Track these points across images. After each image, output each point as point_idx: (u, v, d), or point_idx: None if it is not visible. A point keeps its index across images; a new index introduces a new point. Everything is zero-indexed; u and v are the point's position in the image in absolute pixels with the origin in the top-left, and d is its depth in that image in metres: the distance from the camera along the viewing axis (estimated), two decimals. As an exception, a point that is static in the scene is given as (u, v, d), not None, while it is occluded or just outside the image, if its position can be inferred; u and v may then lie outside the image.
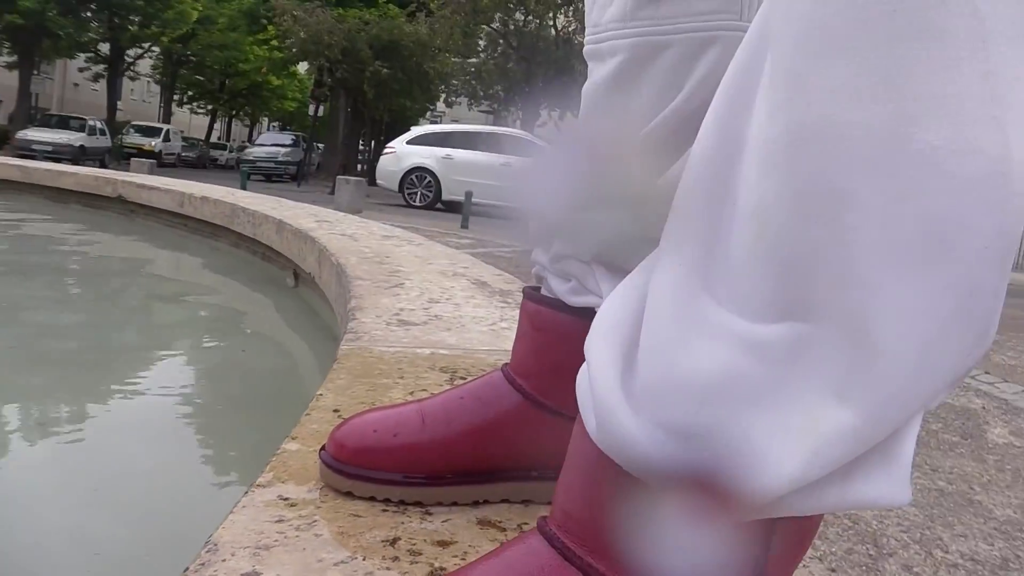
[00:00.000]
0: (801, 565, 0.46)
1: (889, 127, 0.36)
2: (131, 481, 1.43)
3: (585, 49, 0.70)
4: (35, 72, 28.86)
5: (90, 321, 2.71)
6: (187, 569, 0.59)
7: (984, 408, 2.96)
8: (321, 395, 1.02)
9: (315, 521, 0.69)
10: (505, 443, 0.74)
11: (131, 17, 28.72)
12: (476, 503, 0.75)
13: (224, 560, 0.61)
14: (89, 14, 27.91)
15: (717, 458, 0.38)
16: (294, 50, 25.56)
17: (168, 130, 29.07)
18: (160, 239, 4.59)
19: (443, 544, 0.67)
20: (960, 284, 0.37)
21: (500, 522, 0.73)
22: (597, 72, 0.67)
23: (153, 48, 33.17)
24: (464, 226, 9.71)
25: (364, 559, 0.63)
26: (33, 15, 24.26)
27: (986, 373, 3.66)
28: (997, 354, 4.39)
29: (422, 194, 14.61)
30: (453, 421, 0.75)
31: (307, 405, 0.98)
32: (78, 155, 21.14)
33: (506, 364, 0.78)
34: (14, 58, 26.67)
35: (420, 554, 0.65)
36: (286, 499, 0.72)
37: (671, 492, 0.40)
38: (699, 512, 0.41)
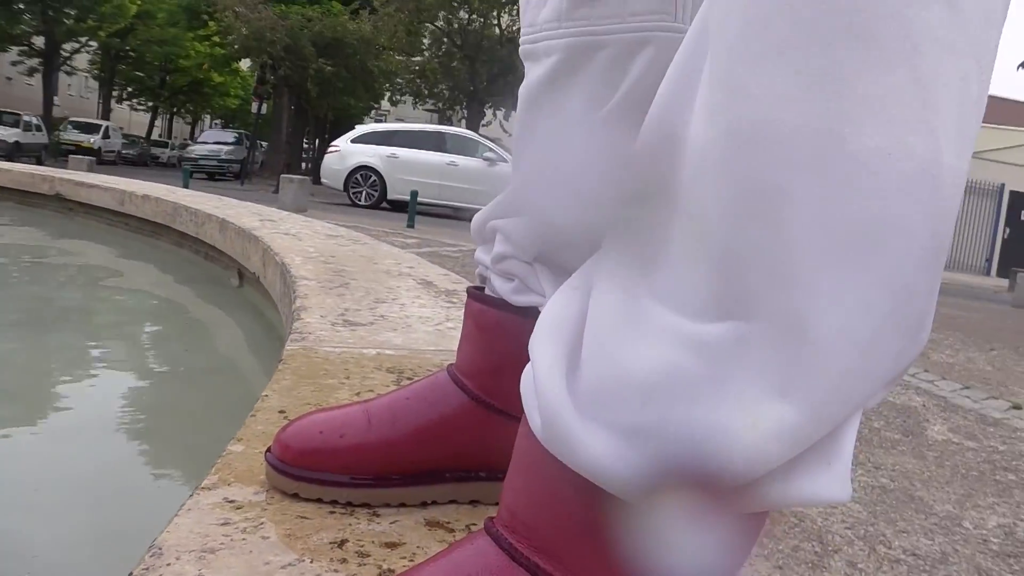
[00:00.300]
0: (747, 563, 0.47)
1: (823, 128, 0.36)
2: (72, 485, 1.41)
3: (521, 49, 0.70)
4: (-35, 66, 28.14)
5: (26, 321, 2.65)
6: (130, 574, 0.59)
7: (924, 406, 3.02)
8: (266, 396, 1.01)
9: (261, 524, 0.68)
10: (451, 443, 0.74)
11: (66, 10, 28.06)
12: (424, 504, 0.75)
13: (169, 564, 0.60)
14: (22, 6, 27.21)
15: (661, 456, 0.39)
16: (236, 47, 25.28)
17: (108, 127, 28.47)
18: (100, 238, 4.50)
19: (391, 546, 0.67)
20: (893, 283, 0.38)
21: (448, 523, 0.73)
22: (533, 72, 0.67)
23: (90, 43, 32.45)
24: (410, 225, 9.66)
25: (312, 561, 0.63)
26: (-41, 5, 23.67)
27: (925, 371, 3.73)
28: (935, 352, 4.48)
29: (367, 193, 14.50)
30: (399, 422, 0.74)
31: (252, 406, 0.97)
32: (13, 151, 20.63)
33: (452, 364, 0.78)
34: (-59, 51, 25.98)
35: (368, 556, 0.65)
36: (232, 501, 0.72)
37: (616, 490, 0.41)
38: (644, 510, 0.41)
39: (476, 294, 0.75)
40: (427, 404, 0.75)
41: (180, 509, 0.69)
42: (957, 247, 22.22)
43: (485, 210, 0.75)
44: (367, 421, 0.74)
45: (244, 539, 0.65)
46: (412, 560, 0.65)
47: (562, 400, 0.42)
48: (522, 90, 0.69)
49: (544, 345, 0.46)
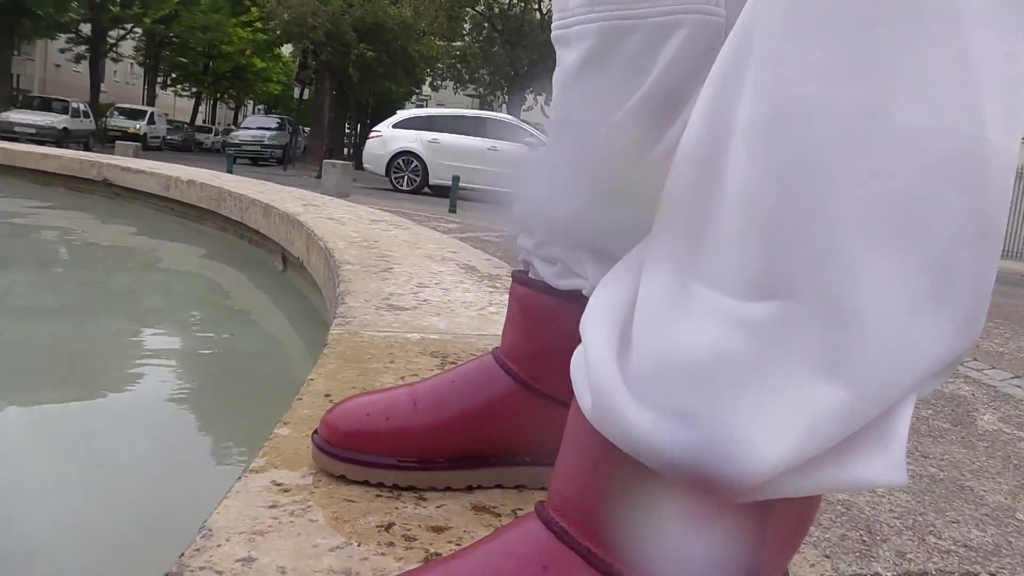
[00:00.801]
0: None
1: (866, 106, 0.36)
2: (121, 468, 1.43)
3: (552, 34, 0.69)
4: (15, 53, 28.53)
5: (77, 306, 2.69)
6: (183, 555, 0.59)
7: (973, 395, 2.97)
8: (312, 380, 1.02)
9: (309, 507, 0.68)
10: (496, 427, 0.74)
11: (112, -3, 28.44)
12: (470, 488, 0.75)
13: (219, 545, 0.61)
14: (69, -7, 27.61)
15: (712, 437, 0.38)
16: (278, 32, 25.46)
17: (153, 113, 28.83)
18: (146, 223, 4.57)
19: (438, 530, 0.67)
20: (934, 262, 0.37)
21: (494, 507, 0.73)
22: (566, 58, 0.67)
23: (135, 29, 32.87)
24: (452, 210, 9.68)
25: (359, 545, 0.63)
26: (10, -7, 23.99)
27: (974, 360, 3.68)
28: (985, 341, 4.41)
29: (409, 178, 14.55)
30: (444, 405, 0.74)
31: (297, 390, 0.98)
32: (62, 137, 20.98)
33: (497, 348, 0.77)
34: (-7, 37, 26.39)
35: (415, 539, 0.65)
36: (279, 484, 0.72)
37: (667, 473, 0.41)
38: (696, 493, 0.41)
39: (520, 278, 0.75)
40: (473, 387, 0.75)
41: (229, 492, 0.70)
42: (1009, 234, 21.73)
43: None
44: (413, 404, 0.75)
45: (292, 522, 0.66)
46: (459, 544, 0.65)
47: (614, 381, 0.42)
48: (556, 76, 0.69)
49: (596, 327, 0.46)
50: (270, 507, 0.68)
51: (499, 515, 0.71)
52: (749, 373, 0.38)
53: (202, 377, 2.09)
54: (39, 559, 1.13)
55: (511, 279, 0.76)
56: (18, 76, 32.36)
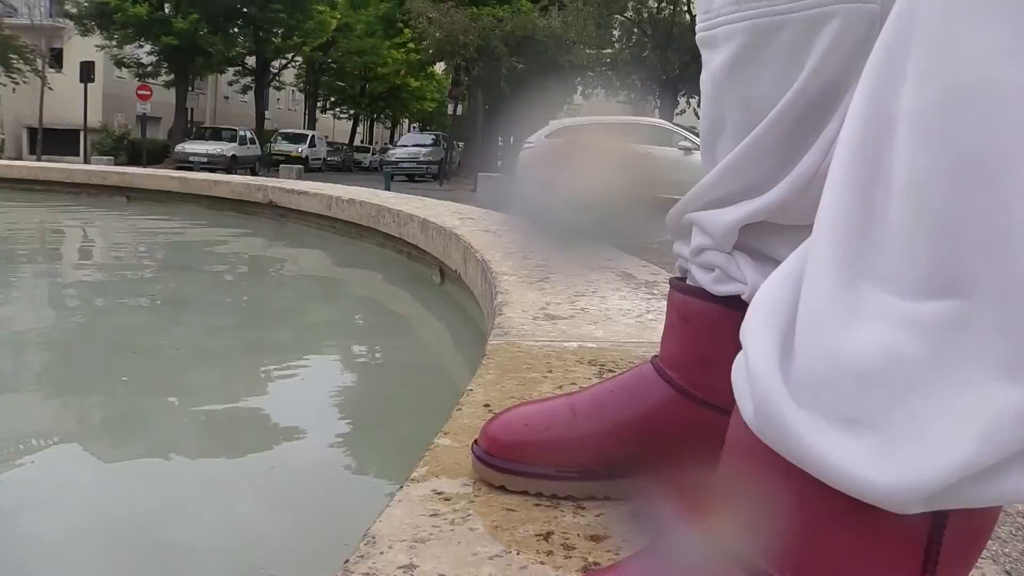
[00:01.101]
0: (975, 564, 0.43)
1: None
2: (288, 473, 1.48)
3: (698, 36, 0.68)
4: (190, 88, 30.37)
5: (246, 321, 2.82)
6: (347, 561, 0.61)
7: None
8: (471, 390, 1.03)
9: (469, 515, 0.69)
10: (657, 437, 0.73)
11: (274, 30, 29.89)
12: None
13: (382, 552, 0.62)
14: (236, 30, 29.25)
15: (882, 444, 0.37)
16: (430, 51, 26.10)
17: (313, 136, 30.18)
18: (309, 241, 4.75)
19: (596, 539, 0.67)
20: None
21: (655, 516, 0.71)
22: (714, 59, 0.65)
23: (296, 58, 34.46)
24: (605, 218, 9.64)
25: (518, 553, 0.63)
26: (186, 35, 25.64)
27: None
28: None
29: (562, 188, 14.59)
30: (603, 415, 0.74)
31: (456, 400, 0.99)
32: (231, 164, 22.27)
33: (656, 356, 0.76)
34: (171, 77, 28.23)
35: (574, 548, 0.65)
36: (440, 493, 0.73)
37: (833, 481, 0.39)
38: (864, 503, 0.39)
39: (678, 285, 0.74)
40: (632, 397, 0.74)
41: (392, 500, 0.71)
42: None
43: (680, 204, 0.73)
44: (572, 414, 0.74)
45: (452, 530, 0.66)
46: (618, 554, 0.64)
47: (776, 387, 0.41)
48: (704, 77, 0.68)
49: (757, 331, 0.44)
50: (431, 515, 0.69)
51: (660, 525, 0.70)
52: (923, 376, 0.36)
53: (363, 387, 2.16)
54: (210, 557, 1.18)
55: (669, 286, 0.75)
56: (192, 110, 34.36)
